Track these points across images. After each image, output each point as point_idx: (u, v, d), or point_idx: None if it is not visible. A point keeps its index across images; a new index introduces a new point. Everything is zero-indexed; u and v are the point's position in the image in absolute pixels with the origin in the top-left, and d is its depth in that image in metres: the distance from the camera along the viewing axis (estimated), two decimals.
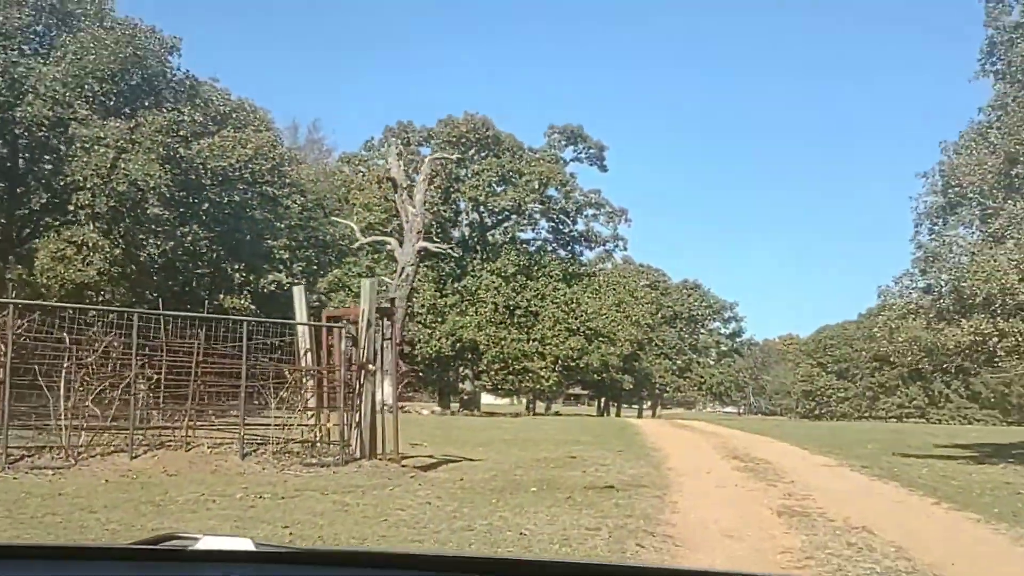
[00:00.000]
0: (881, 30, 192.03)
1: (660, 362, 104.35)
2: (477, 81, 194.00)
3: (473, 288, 63.47)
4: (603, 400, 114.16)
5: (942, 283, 31.21)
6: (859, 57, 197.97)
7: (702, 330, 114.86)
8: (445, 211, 65.86)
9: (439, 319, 59.74)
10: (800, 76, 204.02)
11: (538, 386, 68.21)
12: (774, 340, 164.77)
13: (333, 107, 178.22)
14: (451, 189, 64.67)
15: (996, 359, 36.60)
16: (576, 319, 63.80)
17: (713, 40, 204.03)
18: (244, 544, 2.25)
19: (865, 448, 35.17)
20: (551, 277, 65.89)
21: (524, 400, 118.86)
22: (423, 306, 58.71)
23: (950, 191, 32.55)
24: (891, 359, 36.27)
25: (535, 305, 64.37)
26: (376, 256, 59.87)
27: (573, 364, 63.43)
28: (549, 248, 70.62)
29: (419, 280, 60.37)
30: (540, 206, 66.79)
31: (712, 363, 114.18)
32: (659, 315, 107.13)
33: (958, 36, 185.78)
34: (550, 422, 48.00)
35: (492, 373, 63.74)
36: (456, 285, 63.70)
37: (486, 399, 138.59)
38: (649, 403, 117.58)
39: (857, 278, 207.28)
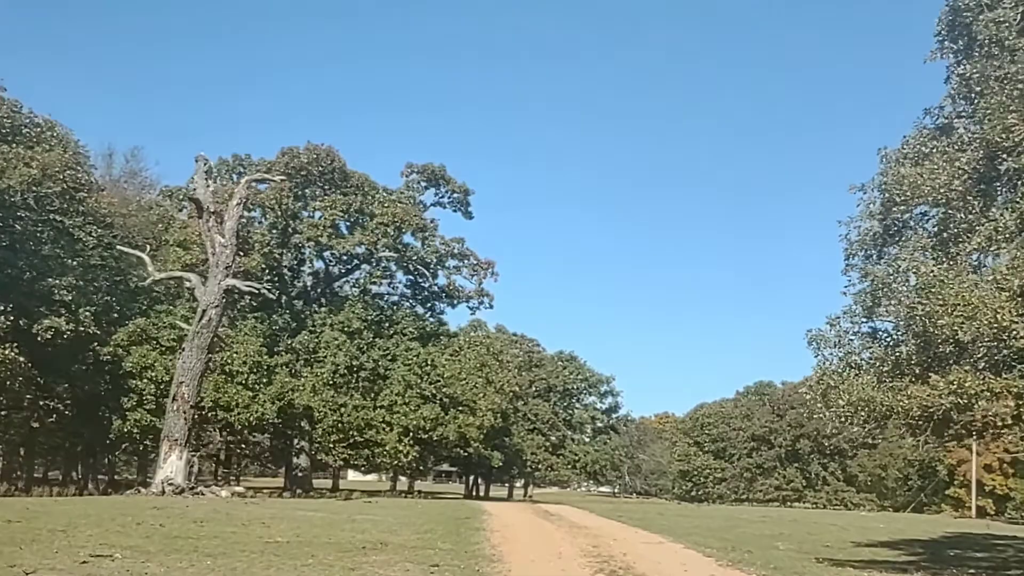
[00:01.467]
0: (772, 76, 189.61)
1: (532, 438, 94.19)
2: (331, 116, 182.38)
3: (311, 345, 52.31)
4: (472, 478, 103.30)
5: (899, 324, 21.62)
6: (751, 114, 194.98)
7: (577, 404, 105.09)
8: (282, 256, 54.82)
9: (265, 380, 48.33)
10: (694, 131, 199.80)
11: (395, 461, 57.06)
12: (650, 418, 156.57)
13: (163, 138, 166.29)
14: (289, 230, 53.75)
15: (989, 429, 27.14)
16: (431, 384, 53.14)
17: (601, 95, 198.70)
18: None
19: (777, 550, 26.44)
20: (404, 335, 55.21)
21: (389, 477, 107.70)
22: (245, 363, 47.26)
23: (895, 208, 23.20)
24: (834, 426, 25.36)
25: (383, 367, 53.49)
26: (193, 303, 48.36)
27: (426, 436, 52.59)
28: (406, 304, 59.98)
29: (245, 334, 49.13)
30: (394, 254, 56.26)
31: (587, 440, 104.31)
32: (532, 387, 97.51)
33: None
34: (385, 508, 37.10)
35: (330, 445, 52.33)
36: (290, 342, 52.43)
37: (353, 475, 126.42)
38: (522, 481, 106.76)
39: (734, 356, 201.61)
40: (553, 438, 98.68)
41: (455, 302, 59.99)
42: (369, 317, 53.98)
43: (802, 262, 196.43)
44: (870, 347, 22.06)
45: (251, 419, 46.66)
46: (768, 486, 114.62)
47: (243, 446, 58.34)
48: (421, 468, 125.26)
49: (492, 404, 53.49)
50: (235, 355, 47.20)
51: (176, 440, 36.62)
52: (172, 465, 36.35)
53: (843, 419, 21.98)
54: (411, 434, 52.04)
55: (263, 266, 50.48)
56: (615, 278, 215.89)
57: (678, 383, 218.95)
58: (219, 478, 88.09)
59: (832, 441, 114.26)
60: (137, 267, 46.43)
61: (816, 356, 22.54)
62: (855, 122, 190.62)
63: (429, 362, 53.35)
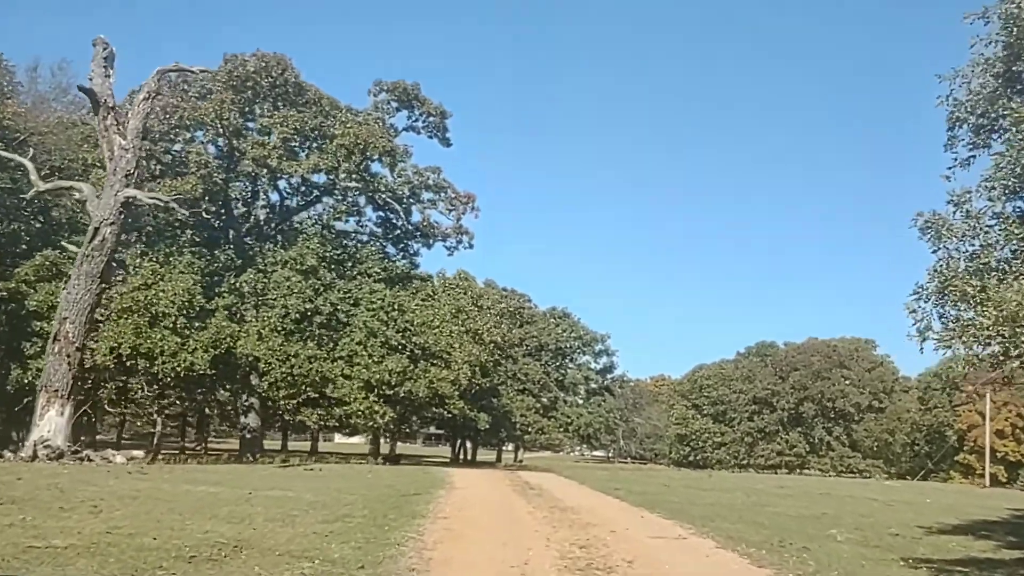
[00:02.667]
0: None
1: (522, 399, 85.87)
2: (289, 29, 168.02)
3: (259, 286, 43.67)
4: (458, 442, 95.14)
5: None
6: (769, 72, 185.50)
7: (570, 364, 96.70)
8: (228, 183, 46.01)
9: (199, 324, 39.75)
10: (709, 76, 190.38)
11: (369, 422, 48.64)
12: (645, 381, 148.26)
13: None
14: (236, 153, 44.90)
15: None
16: (398, 332, 44.55)
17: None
18: None
19: (836, 542, 18.55)
20: (369, 276, 46.54)
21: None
22: (173, 303, 38.68)
23: None
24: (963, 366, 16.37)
25: (343, 311, 44.87)
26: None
27: (391, 392, 44.08)
28: (375, 245, 51.21)
29: (180, 271, 40.60)
30: (360, 184, 47.44)
31: (580, 402, 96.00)
32: (522, 346, 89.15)
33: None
34: (319, 479, 28.86)
35: (280, 401, 43.80)
36: (235, 281, 43.76)
37: (341, 438, 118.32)
38: (512, 445, 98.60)
39: (733, 317, 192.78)
40: (544, 399, 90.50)
41: (431, 241, 51.22)
42: (328, 254, 45.20)
43: (803, 223, 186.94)
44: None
45: (178, 369, 38.14)
46: (770, 451, 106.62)
47: (180, 402, 49.76)
48: (406, 430, 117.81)
49: (469, 356, 44.94)
50: (162, 293, 38.62)
51: (56, 391, 28.22)
52: (50, 423, 27.95)
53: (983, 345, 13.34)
54: (374, 389, 43.50)
55: (201, 190, 41.81)
56: (607, 232, 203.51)
57: (674, 345, 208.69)
58: (186, 441, 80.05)
59: (837, 404, 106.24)
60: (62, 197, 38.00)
61: (936, 251, 14.01)
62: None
63: (396, 307, 44.74)
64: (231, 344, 41.01)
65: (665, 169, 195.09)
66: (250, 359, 41.97)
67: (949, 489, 66.65)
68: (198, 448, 65.90)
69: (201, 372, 39.30)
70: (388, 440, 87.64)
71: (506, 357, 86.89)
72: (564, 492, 27.81)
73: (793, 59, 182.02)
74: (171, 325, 38.76)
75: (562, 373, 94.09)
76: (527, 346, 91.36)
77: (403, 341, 44.81)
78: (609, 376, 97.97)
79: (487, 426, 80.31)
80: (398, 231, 52.14)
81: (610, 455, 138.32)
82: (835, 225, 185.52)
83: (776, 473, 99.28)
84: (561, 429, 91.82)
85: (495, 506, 21.99)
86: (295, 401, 43.33)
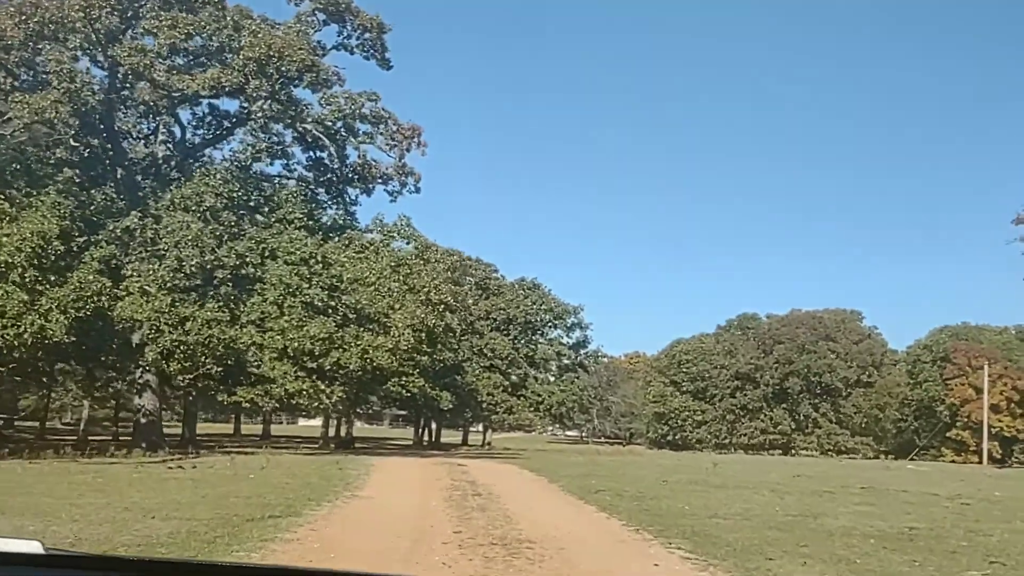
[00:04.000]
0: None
1: (489, 376, 76.31)
2: None
3: (148, 233, 33.61)
4: (420, 422, 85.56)
5: None
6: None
7: (541, 339, 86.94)
8: (113, 105, 35.81)
9: (56, 278, 29.76)
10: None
11: (313, 402, 39.17)
12: (619, 358, 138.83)
13: None
14: (117, 64, 34.62)
15: None
16: (323, 290, 34.73)
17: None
18: (32, 547, 1.97)
19: None
20: (288, 223, 36.54)
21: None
22: (21, 251, 28.68)
23: None
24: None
25: (253, 265, 34.91)
26: None
27: (314, 364, 34.28)
28: (304, 191, 41.14)
29: (42, 214, 30.57)
30: (278, 111, 37.47)
31: (552, 379, 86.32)
32: (489, 319, 79.65)
33: None
34: (175, 483, 19.21)
35: (170, 374, 33.84)
36: (114, 227, 33.64)
37: (305, 421, 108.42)
38: (479, 425, 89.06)
39: (710, 291, 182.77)
40: (513, 376, 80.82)
41: (370, 185, 41.32)
42: (234, 194, 35.16)
43: (782, 190, 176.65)
44: None
45: (24, 336, 28.22)
46: (753, 429, 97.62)
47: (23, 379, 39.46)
48: (368, 411, 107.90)
49: (412, 319, 35.06)
50: (5, 239, 28.59)
51: None
52: None
53: None
54: (291, 359, 33.68)
55: (70, 112, 31.74)
56: (575, 199, 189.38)
57: (649, 321, 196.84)
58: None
59: (824, 379, 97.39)
60: None
61: None
62: None
63: (321, 259, 34.88)
64: (105, 305, 31.03)
65: (634, 128, 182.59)
66: (130, 324, 31.96)
67: (966, 471, 57.92)
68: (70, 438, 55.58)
69: (57, 340, 29.20)
70: (346, 423, 77.98)
71: (471, 331, 77.42)
72: (523, 502, 18.12)
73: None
74: (18, 279, 28.69)
75: (532, 348, 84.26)
76: (494, 319, 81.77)
77: (329, 301, 35.00)
78: (582, 351, 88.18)
79: (451, 406, 70.91)
80: (330, 175, 42.14)
81: (584, 435, 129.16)
82: (816, 191, 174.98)
83: (764, 454, 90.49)
84: (532, 408, 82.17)
85: (388, 545, 12.20)
86: (189, 376, 33.28)
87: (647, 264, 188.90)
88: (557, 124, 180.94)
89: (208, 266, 33.59)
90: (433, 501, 17.41)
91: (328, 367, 34.43)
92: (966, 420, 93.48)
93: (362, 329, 35.37)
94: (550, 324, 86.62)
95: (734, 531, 15.79)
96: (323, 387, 36.90)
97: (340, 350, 34.42)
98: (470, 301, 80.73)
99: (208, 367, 33.24)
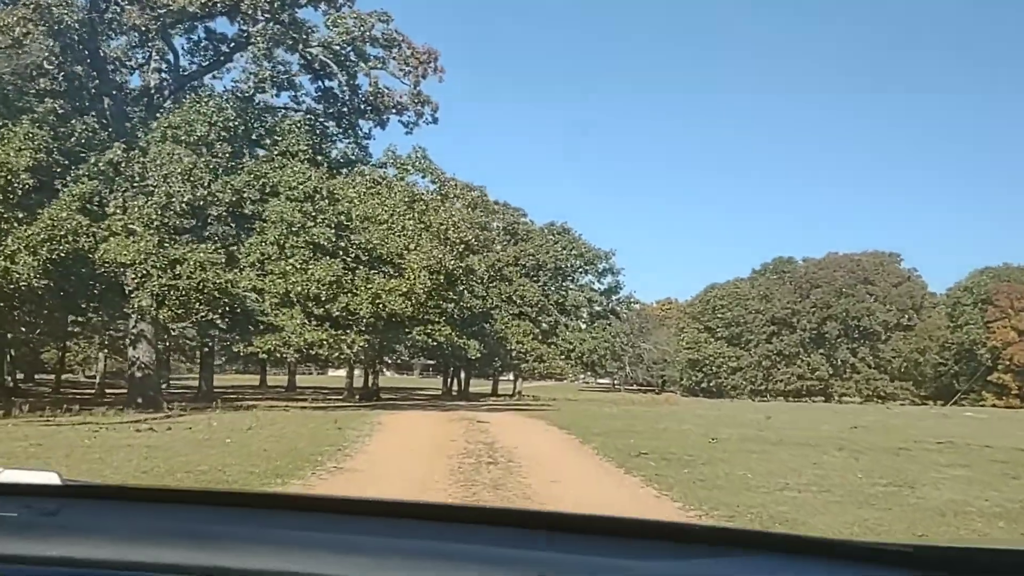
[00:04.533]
0: None
1: (518, 324, 72.56)
2: None
3: (135, 167, 29.85)
4: (449, 372, 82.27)
5: None
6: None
7: (571, 285, 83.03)
8: (95, 28, 31.87)
9: (24, 215, 26.09)
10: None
11: (335, 352, 35.69)
12: (651, 305, 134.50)
13: None
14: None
15: None
16: (330, 227, 30.90)
17: None
18: (49, 478, 1.95)
19: None
20: (291, 155, 32.57)
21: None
22: None
23: None
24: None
25: (251, 200, 31.10)
26: None
27: (321, 310, 30.58)
28: (312, 123, 37.06)
29: (15, 146, 26.90)
30: (278, 28, 33.33)
31: (583, 326, 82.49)
32: (518, 265, 75.82)
33: None
34: (159, 445, 15.68)
35: (163, 322, 30.27)
36: (98, 160, 29.84)
37: (336, 371, 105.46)
38: (510, 374, 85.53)
39: (743, 235, 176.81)
40: (543, 324, 77.07)
41: (383, 116, 37.25)
42: (230, 124, 31.21)
43: (813, 131, 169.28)
44: None
45: None
46: (790, 375, 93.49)
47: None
48: (397, 361, 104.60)
49: (429, 259, 31.16)
50: None
51: None
52: None
53: None
54: (296, 305, 29.98)
55: (43, 32, 27.96)
56: (601, 139, 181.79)
57: (680, 267, 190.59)
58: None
59: (863, 323, 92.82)
60: None
61: None
62: None
63: (327, 194, 31.04)
64: (84, 246, 27.40)
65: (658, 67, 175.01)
66: (115, 268, 28.33)
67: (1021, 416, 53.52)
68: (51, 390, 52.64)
69: (26, 285, 25.61)
70: (372, 373, 74.63)
71: (499, 278, 73.61)
72: (549, 473, 14.24)
73: None
74: None
75: (562, 295, 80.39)
76: (523, 265, 77.87)
77: (337, 241, 31.18)
78: (614, 298, 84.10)
79: (479, 355, 67.34)
80: (340, 105, 38.05)
81: (616, 383, 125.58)
82: (852, 129, 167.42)
83: (805, 401, 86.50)
84: (563, 356, 78.44)
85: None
86: (182, 325, 29.78)
87: (678, 208, 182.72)
88: (584, 54, 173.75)
89: (201, 203, 29.80)
90: (437, 474, 13.61)
91: (336, 313, 30.64)
92: (1008, 363, 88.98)
93: (373, 271, 31.54)
94: (581, 270, 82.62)
95: (819, 511, 11.95)
96: (343, 336, 33.40)
97: (349, 295, 30.64)
98: (497, 247, 76.97)
99: (203, 313, 29.59)
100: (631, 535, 1.73)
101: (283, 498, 2.27)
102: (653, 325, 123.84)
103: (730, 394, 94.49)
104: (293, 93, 38.55)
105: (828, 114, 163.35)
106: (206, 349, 57.84)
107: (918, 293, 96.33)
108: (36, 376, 70.92)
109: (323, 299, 30.21)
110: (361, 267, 31.35)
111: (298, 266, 30.09)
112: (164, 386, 68.34)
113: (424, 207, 32.56)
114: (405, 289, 30.73)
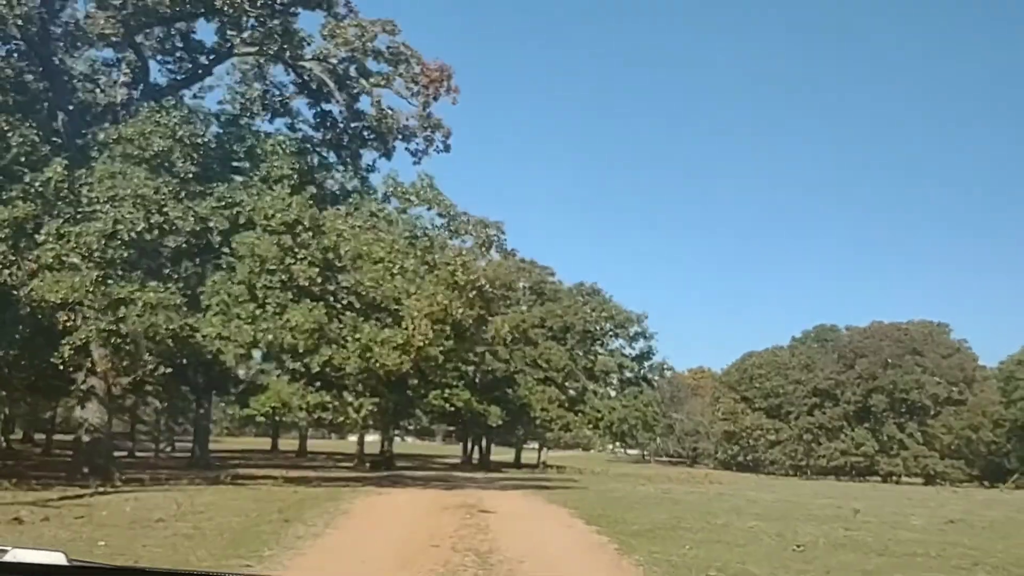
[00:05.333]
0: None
1: (543, 390, 66.26)
2: None
3: (76, 187, 24.16)
4: (469, 440, 75.73)
5: None
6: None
7: (600, 350, 76.54)
8: (53, 23, 26.46)
9: None
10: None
11: (341, 417, 29.61)
12: (683, 373, 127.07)
13: None
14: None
15: None
16: (313, 266, 24.92)
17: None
18: (56, 558, 1.92)
19: None
20: (273, 181, 26.68)
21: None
22: None
23: None
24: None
25: (219, 231, 25.21)
26: None
27: (297, 364, 24.47)
28: (309, 153, 31.32)
29: None
30: (262, 35, 27.82)
31: (613, 393, 75.79)
32: (544, 326, 69.68)
33: None
34: None
35: (105, 376, 24.21)
36: (36, 179, 24.11)
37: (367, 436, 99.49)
38: (535, 443, 78.54)
39: (780, 302, 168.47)
40: (571, 390, 70.47)
41: (388, 144, 31.46)
42: (198, 140, 25.54)
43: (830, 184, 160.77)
44: None
45: None
46: (833, 450, 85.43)
47: None
48: (412, 427, 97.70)
49: (432, 306, 24.99)
50: None
51: None
52: None
53: None
54: (271, 357, 23.92)
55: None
56: (630, 198, 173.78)
57: (715, 335, 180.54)
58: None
59: (911, 396, 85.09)
60: None
61: None
62: None
63: (311, 225, 25.17)
64: (9, 281, 21.60)
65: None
66: (44, 307, 22.41)
67: None
68: None
69: None
70: (386, 439, 68.00)
71: (524, 340, 67.30)
72: None
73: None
74: None
75: (591, 359, 73.82)
76: (550, 327, 71.54)
77: (322, 282, 25.19)
78: (647, 364, 77.34)
79: (500, 421, 60.96)
80: (340, 132, 32.33)
81: (645, 454, 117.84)
82: (897, 199, 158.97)
83: (849, 481, 78.71)
84: (590, 425, 71.62)
85: None
86: (127, 380, 23.64)
87: (711, 272, 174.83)
88: (614, 101, 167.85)
89: (156, 231, 23.91)
90: None
91: (316, 368, 24.47)
92: None
93: (364, 319, 25.40)
94: (611, 333, 76.08)
95: None
96: (350, 400, 27.48)
97: (333, 346, 24.49)
98: (523, 306, 70.79)
99: (152, 366, 23.52)
100: None
101: None
102: (685, 395, 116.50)
103: (768, 469, 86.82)
104: (289, 120, 32.99)
105: (870, 174, 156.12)
106: (201, 411, 51.77)
107: (969, 365, 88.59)
108: (36, 436, 65.19)
109: (300, 350, 24.08)
110: (350, 313, 25.23)
111: (272, 310, 24.04)
112: (169, 450, 62.49)
113: (429, 243, 26.52)
114: (402, 340, 24.51)
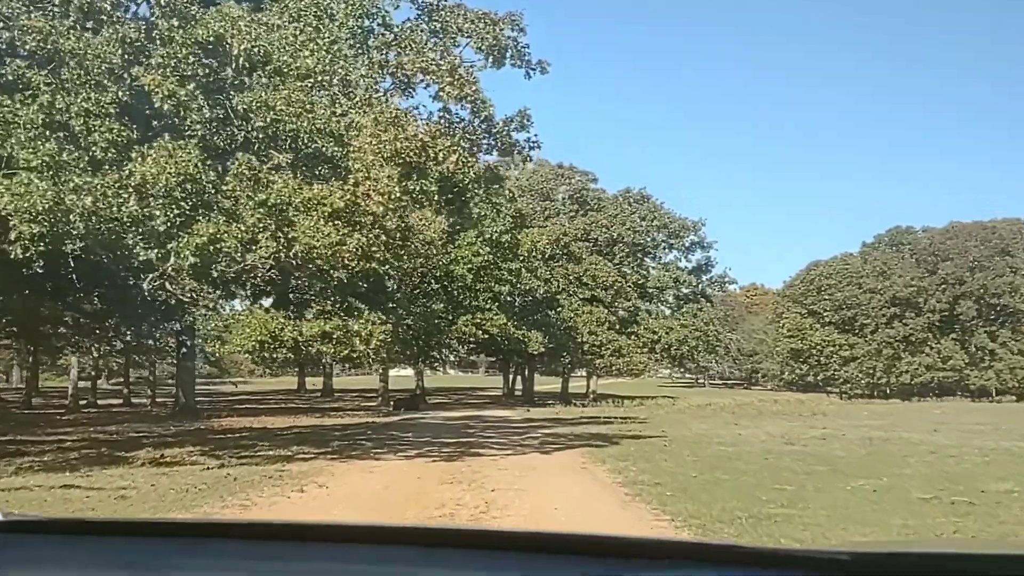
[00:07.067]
0: None
1: (590, 311, 54.85)
2: None
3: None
4: (511, 370, 64.57)
5: None
6: None
7: (653, 263, 64.64)
8: None
9: None
10: None
11: (346, 349, 18.38)
12: (735, 291, 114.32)
13: None
14: None
15: None
16: (173, 71, 13.27)
17: None
18: None
19: None
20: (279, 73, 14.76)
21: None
22: None
23: None
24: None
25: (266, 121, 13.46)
26: None
27: (200, 263, 13.05)
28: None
29: None
30: None
31: (669, 312, 63.97)
32: (588, 239, 58.02)
33: None
34: None
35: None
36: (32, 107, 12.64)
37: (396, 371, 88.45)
38: (583, 371, 66.72)
39: (840, 208, 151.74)
40: (621, 311, 59.01)
41: None
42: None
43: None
44: None
45: None
46: (917, 365, 72.92)
47: None
48: (451, 358, 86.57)
49: (398, 143, 13.27)
50: None
51: None
52: None
53: None
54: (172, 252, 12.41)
55: None
56: (676, 105, 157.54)
57: (767, 248, 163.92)
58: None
59: (1004, 300, 72.08)
60: None
61: None
62: None
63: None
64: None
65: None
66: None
67: None
68: None
69: None
70: (416, 373, 56.99)
71: (565, 255, 55.65)
72: None
73: None
74: None
75: (643, 275, 62.01)
76: (594, 240, 59.81)
77: (197, 106, 13.48)
78: (705, 278, 65.17)
79: (542, 349, 49.52)
80: None
81: (700, 377, 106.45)
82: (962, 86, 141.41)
83: (935, 397, 66.56)
84: (645, 349, 60.01)
85: None
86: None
87: (762, 176, 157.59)
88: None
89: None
90: None
91: (190, 254, 12.81)
92: None
93: (275, 171, 13.63)
94: (664, 244, 64.01)
95: None
96: (356, 328, 16.28)
97: (218, 216, 12.79)
98: (563, 218, 58.97)
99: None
100: (599, 553, 1.64)
101: (233, 527, 1.85)
102: (740, 313, 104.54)
103: (841, 388, 74.79)
104: None
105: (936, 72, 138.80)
106: (184, 350, 40.28)
107: None
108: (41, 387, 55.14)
109: (159, 227, 12.37)
110: (248, 156, 13.45)
111: (105, 154, 12.30)
112: (150, 397, 50.96)
113: (391, 41, 14.43)
114: (342, 203, 12.71)
